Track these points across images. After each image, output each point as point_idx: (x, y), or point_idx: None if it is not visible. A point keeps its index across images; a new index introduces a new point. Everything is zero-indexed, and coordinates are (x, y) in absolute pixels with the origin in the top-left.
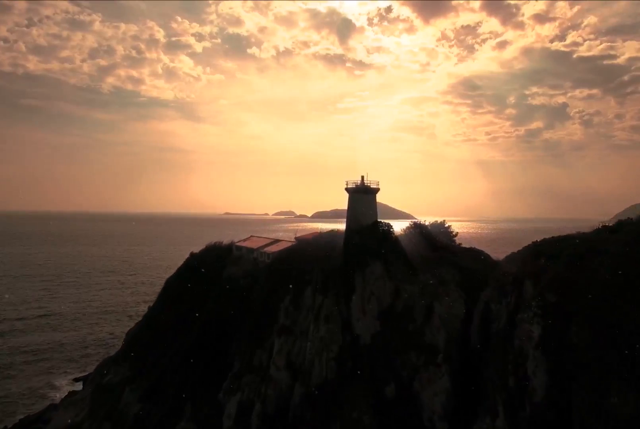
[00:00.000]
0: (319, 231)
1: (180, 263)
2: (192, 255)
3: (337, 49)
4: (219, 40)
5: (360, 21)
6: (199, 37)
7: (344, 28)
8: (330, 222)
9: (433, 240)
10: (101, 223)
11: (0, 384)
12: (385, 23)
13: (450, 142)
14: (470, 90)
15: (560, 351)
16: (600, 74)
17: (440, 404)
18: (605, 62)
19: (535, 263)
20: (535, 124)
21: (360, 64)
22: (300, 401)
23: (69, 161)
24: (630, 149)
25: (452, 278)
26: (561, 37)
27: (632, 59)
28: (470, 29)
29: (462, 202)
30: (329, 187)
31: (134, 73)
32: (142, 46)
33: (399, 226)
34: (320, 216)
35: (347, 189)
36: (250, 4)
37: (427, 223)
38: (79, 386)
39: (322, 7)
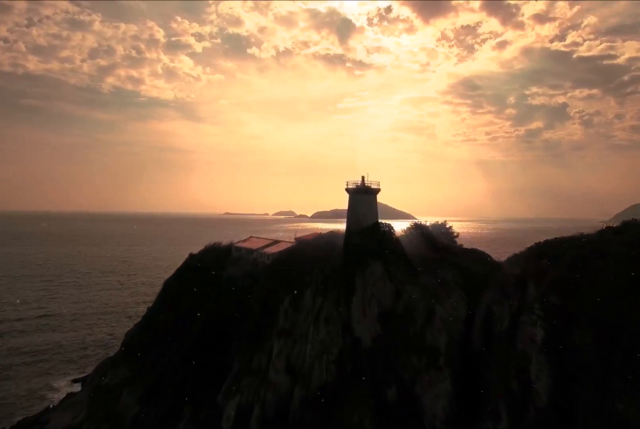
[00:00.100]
0: (318, 232)
1: (180, 263)
2: (191, 255)
3: (337, 49)
4: (219, 40)
5: (360, 21)
6: (199, 37)
7: (344, 28)
8: (330, 222)
9: (434, 241)
10: (101, 223)
11: None
12: (385, 23)
13: (450, 142)
14: (470, 90)
15: (564, 354)
16: (600, 74)
17: (442, 407)
18: (605, 62)
19: (538, 264)
20: (535, 124)
21: (360, 64)
22: (300, 404)
23: (69, 161)
24: (630, 149)
25: (454, 280)
26: (561, 37)
27: (632, 59)
28: (470, 29)
29: (462, 202)
30: (329, 187)
31: (134, 73)
32: (142, 46)
33: (399, 227)
34: (320, 216)
35: (347, 189)
36: (250, 4)
37: (428, 224)
38: (77, 388)
39: (322, 7)
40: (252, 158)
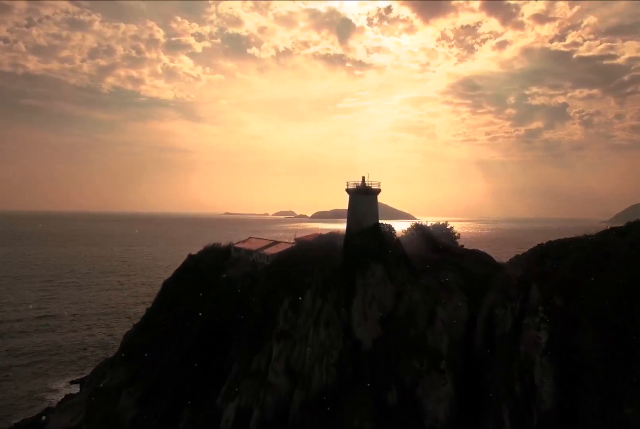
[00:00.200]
0: (318, 232)
1: (180, 263)
2: (190, 256)
3: (337, 49)
4: (218, 40)
5: (360, 21)
6: (199, 37)
7: (343, 28)
8: (330, 222)
9: (435, 242)
10: (101, 223)
11: None
12: (385, 23)
13: (450, 142)
14: (470, 90)
15: (568, 357)
16: (600, 74)
17: (444, 411)
18: (605, 62)
19: (541, 266)
20: (535, 124)
21: (360, 64)
22: (299, 407)
23: (69, 161)
24: (630, 149)
25: (455, 281)
26: (561, 37)
27: (632, 59)
28: (470, 29)
29: (462, 202)
30: (329, 187)
31: (134, 73)
32: (142, 46)
33: (399, 227)
34: (320, 216)
35: (347, 190)
36: (250, 4)
37: (429, 225)
38: (76, 389)
39: (322, 7)
40: (252, 158)
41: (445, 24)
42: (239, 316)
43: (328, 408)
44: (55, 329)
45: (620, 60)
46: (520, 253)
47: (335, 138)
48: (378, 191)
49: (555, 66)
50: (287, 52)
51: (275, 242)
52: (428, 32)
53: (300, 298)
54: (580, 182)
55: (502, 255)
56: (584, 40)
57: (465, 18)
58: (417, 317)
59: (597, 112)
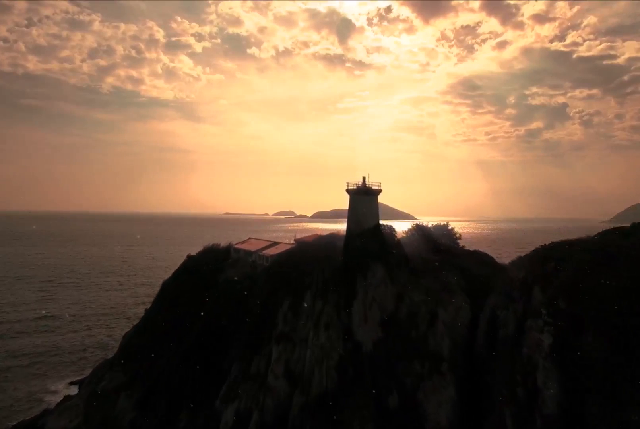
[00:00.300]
0: (318, 233)
1: (179, 263)
2: (189, 257)
3: (336, 49)
4: (218, 40)
5: (360, 21)
6: (199, 37)
7: (343, 28)
8: (330, 222)
9: (436, 243)
10: (101, 223)
11: None
12: (385, 23)
13: (450, 142)
14: (470, 90)
15: (572, 360)
16: (600, 74)
17: (445, 414)
18: (605, 62)
19: (544, 267)
20: (535, 124)
21: (360, 64)
22: (299, 410)
23: (69, 161)
24: (630, 149)
25: (457, 283)
26: (561, 37)
27: (631, 59)
28: (470, 29)
29: (462, 202)
30: (329, 187)
31: (134, 73)
32: (142, 46)
33: (399, 227)
34: (320, 216)
35: (348, 190)
36: (250, 4)
37: (429, 225)
38: (75, 390)
39: (321, 7)
40: (252, 158)
41: (445, 24)
42: (239, 317)
43: (328, 411)
44: (54, 330)
45: (620, 60)
46: (520, 254)
47: (335, 138)
48: (379, 191)
49: (555, 66)
50: (287, 52)
51: (275, 243)
52: (428, 32)
53: (300, 300)
54: (580, 182)
55: (502, 255)
56: (584, 40)
57: (465, 18)
58: (418, 319)
59: (597, 112)
